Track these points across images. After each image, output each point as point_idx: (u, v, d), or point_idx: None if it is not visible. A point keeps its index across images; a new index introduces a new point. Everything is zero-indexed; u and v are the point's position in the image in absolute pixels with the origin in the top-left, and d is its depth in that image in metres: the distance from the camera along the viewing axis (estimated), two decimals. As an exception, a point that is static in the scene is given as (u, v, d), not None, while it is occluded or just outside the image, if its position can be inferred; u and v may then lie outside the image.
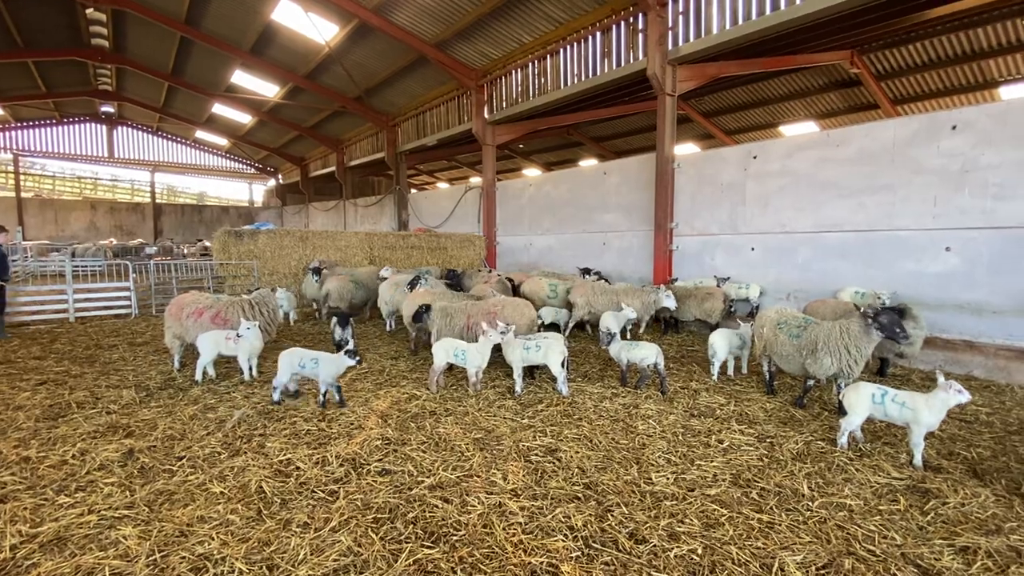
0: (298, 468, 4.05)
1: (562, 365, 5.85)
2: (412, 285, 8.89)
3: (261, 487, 3.74)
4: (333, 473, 3.97)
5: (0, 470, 3.97)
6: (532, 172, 28.50)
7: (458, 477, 3.93)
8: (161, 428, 4.83)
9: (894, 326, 4.92)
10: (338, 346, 6.49)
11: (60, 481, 3.82)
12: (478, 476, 3.94)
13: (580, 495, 3.69)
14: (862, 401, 4.35)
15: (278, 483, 3.82)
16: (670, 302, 8.58)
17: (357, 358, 5.35)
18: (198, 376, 6.30)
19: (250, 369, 6.47)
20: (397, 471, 4.02)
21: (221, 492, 3.67)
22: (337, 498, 3.61)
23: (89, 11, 18.46)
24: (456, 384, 6.34)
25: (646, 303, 8.82)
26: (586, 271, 12.26)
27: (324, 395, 5.48)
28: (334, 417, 5.15)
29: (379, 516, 3.40)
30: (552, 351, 5.81)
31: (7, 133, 31.27)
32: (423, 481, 3.85)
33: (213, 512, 3.42)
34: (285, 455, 4.26)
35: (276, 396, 5.55)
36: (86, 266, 15.04)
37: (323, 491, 3.71)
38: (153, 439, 4.58)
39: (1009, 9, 11.32)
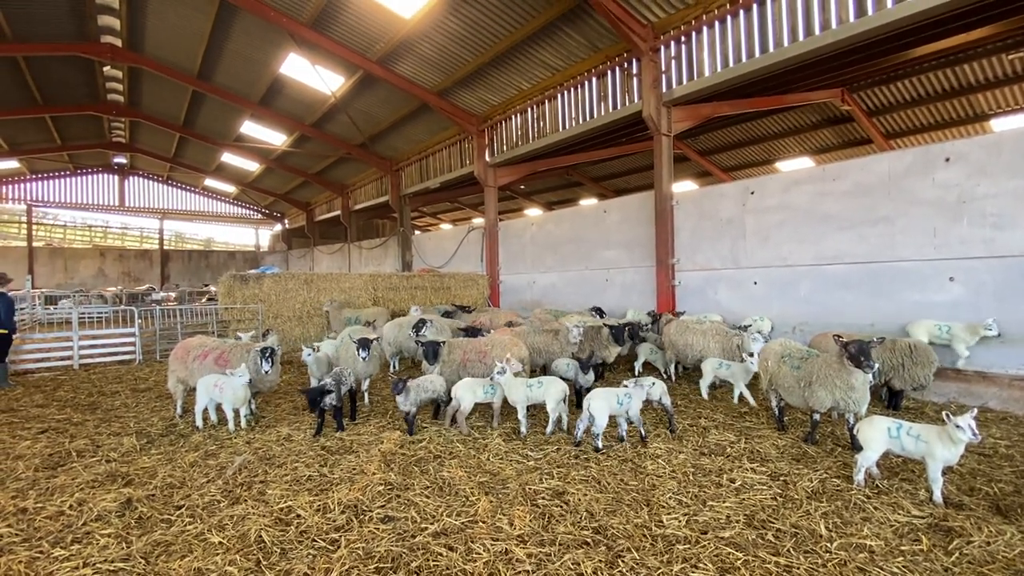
0: (299, 516, 3.94)
1: (564, 402, 5.85)
2: (417, 329, 8.76)
3: (261, 536, 3.64)
4: (334, 520, 3.87)
5: (-5, 523, 3.89)
6: (534, 212, 28.92)
7: (463, 523, 3.81)
8: (161, 476, 4.75)
9: (860, 355, 4.87)
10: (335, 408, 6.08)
11: (56, 533, 3.74)
12: (483, 522, 3.83)
13: (589, 540, 3.56)
14: (878, 436, 4.24)
15: (278, 532, 3.71)
16: (757, 346, 7.13)
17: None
18: (198, 422, 6.24)
19: (236, 418, 6.23)
20: (400, 517, 3.91)
21: (220, 542, 3.57)
22: (338, 547, 3.50)
23: (107, 69, 19.33)
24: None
25: (727, 348, 7.78)
26: (597, 310, 12.08)
27: (625, 432, 5.60)
28: (336, 462, 5.06)
29: (381, 565, 3.29)
30: (552, 388, 5.79)
31: (22, 185, 32.16)
32: (427, 528, 3.74)
33: (211, 563, 3.32)
34: (286, 502, 4.16)
35: (596, 442, 5.32)
36: (92, 313, 15.12)
37: (324, 540, 3.61)
38: (152, 487, 4.50)
39: (993, 45, 11.70)
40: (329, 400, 5.92)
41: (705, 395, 7.52)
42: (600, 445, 5.27)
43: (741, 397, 7.23)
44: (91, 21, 16.12)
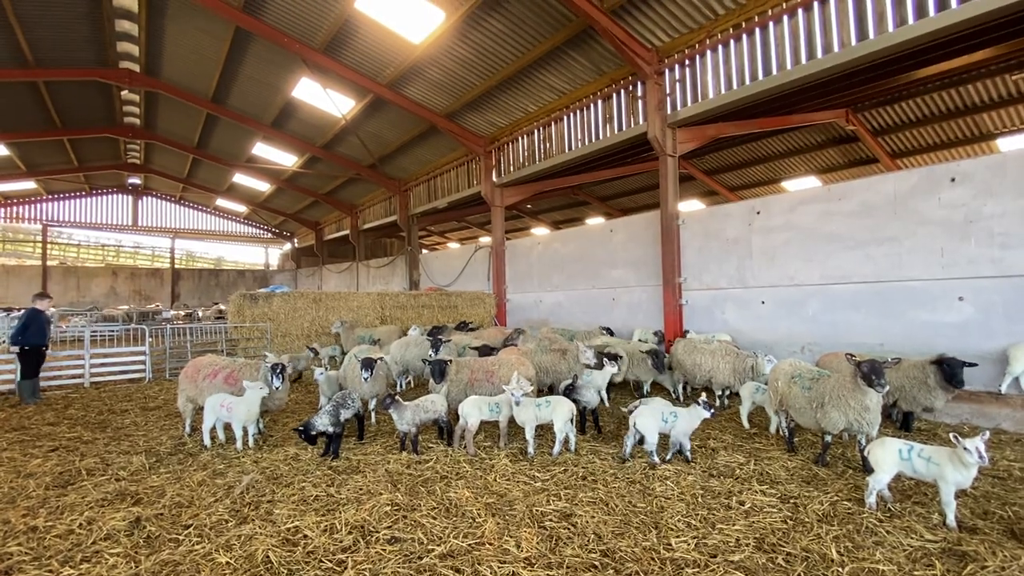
0: (306, 536, 3.94)
1: (572, 422, 5.84)
2: (436, 347, 8.39)
3: (268, 557, 3.64)
4: (341, 541, 3.86)
5: (8, 540, 3.92)
6: (540, 231, 29.08)
7: (470, 545, 3.80)
8: (169, 495, 4.77)
9: (872, 374, 4.85)
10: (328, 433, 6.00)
11: (66, 552, 3.75)
12: (490, 544, 3.81)
13: (597, 563, 3.53)
14: (889, 458, 4.20)
15: (285, 552, 3.71)
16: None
17: (712, 410, 5.51)
18: (206, 440, 6.26)
19: (244, 436, 6.20)
20: (407, 539, 3.90)
21: (227, 562, 3.57)
22: (345, 568, 3.49)
23: (124, 92, 19.87)
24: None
25: (739, 371, 7.59)
26: (607, 330, 11.97)
27: (679, 450, 5.58)
28: (343, 482, 5.06)
29: (388, 587, 3.28)
30: (560, 408, 5.79)
31: (38, 205, 32.82)
32: (433, 549, 3.72)
33: (218, 584, 3.32)
34: (293, 522, 4.16)
35: (652, 458, 5.40)
36: (103, 331, 15.31)
37: (331, 561, 3.60)
38: (161, 507, 4.51)
39: (996, 66, 11.78)
40: (320, 426, 5.79)
41: (746, 423, 6.96)
42: (657, 460, 5.34)
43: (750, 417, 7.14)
44: (110, 48, 16.62)
